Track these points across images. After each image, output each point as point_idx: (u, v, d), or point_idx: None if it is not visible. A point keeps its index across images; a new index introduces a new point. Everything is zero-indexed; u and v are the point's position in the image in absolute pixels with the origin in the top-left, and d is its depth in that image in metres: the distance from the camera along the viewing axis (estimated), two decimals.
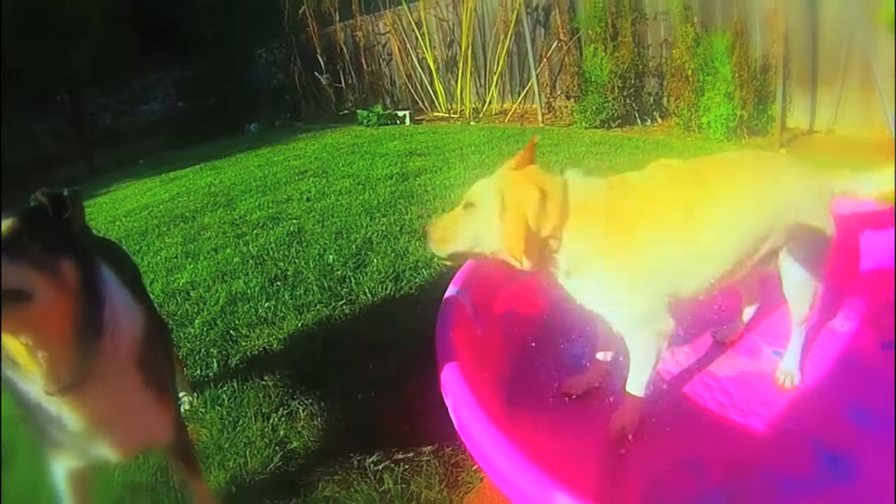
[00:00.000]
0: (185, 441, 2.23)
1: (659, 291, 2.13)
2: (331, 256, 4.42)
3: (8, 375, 1.67)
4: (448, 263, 2.30)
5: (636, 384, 2.25)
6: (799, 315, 2.45)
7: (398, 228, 4.79)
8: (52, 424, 1.76)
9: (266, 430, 2.75)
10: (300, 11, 12.30)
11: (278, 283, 4.16)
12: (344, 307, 3.71)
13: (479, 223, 2.11)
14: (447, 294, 2.60)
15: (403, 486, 2.30)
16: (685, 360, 2.73)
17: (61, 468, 1.99)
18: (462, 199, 2.19)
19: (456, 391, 2.03)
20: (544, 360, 2.85)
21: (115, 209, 7.66)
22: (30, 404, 1.72)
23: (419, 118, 11.07)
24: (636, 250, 2.07)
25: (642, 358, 2.20)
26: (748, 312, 2.83)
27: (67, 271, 1.61)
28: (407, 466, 2.38)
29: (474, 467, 2.30)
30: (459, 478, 2.31)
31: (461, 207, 2.17)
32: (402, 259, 4.19)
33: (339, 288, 3.94)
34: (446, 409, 2.10)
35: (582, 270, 2.11)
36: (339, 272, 4.15)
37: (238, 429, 2.79)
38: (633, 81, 8.24)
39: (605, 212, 2.07)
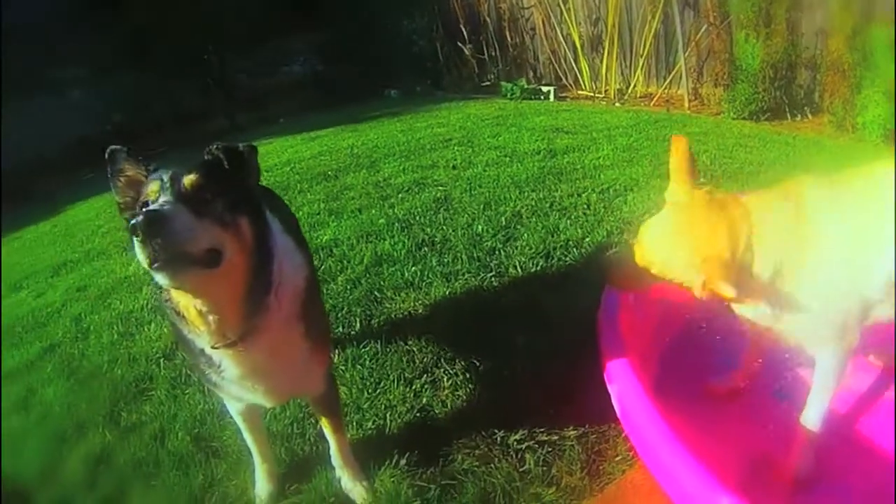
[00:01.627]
0: (334, 393, 2.28)
1: (851, 301, 2.00)
2: (479, 226, 4.32)
3: (174, 321, 1.70)
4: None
5: (815, 413, 2.08)
6: None
7: (548, 205, 4.62)
8: (213, 370, 1.82)
9: (408, 395, 2.74)
10: None
11: (425, 249, 4.11)
12: (493, 279, 3.62)
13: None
14: None
15: (544, 468, 2.28)
16: None
17: (234, 406, 2.11)
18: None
19: (623, 379, 2.04)
20: (693, 352, 2.77)
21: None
22: (194, 350, 1.78)
23: (563, 95, 10.76)
24: (824, 259, 1.95)
25: (830, 376, 2.07)
26: None
27: (246, 230, 1.60)
28: (550, 449, 2.35)
29: (617, 458, 2.29)
30: (601, 467, 2.28)
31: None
32: (552, 236, 4.04)
33: (487, 259, 3.85)
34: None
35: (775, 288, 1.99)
36: (489, 243, 4.06)
37: (379, 391, 2.79)
38: (784, 72, 7.61)
39: (791, 222, 1.98)
